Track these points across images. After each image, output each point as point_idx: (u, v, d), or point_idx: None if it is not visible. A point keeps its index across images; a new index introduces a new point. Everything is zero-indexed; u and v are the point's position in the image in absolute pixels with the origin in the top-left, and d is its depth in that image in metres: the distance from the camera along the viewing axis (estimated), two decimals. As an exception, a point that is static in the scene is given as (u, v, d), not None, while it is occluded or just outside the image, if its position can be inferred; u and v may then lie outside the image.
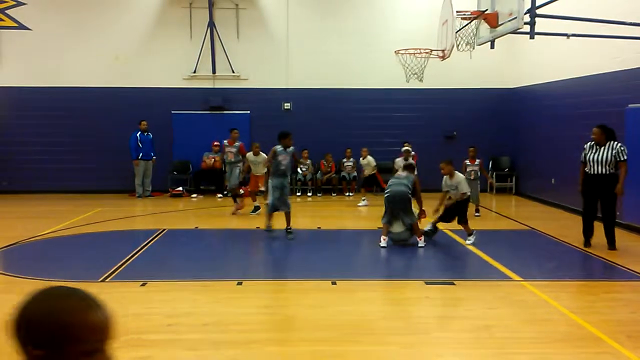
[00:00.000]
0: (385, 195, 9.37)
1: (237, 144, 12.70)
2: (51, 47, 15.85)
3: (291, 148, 9.97)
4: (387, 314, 6.28)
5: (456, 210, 9.38)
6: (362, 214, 13.02)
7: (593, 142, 8.86)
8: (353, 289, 7.12)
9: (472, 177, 11.92)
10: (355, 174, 15.67)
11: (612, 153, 8.62)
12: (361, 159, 14.63)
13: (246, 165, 12.36)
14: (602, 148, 8.72)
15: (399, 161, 12.60)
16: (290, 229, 10.01)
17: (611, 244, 8.91)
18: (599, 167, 8.71)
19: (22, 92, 15.86)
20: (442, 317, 6.28)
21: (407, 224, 9.22)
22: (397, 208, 9.20)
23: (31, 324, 1.46)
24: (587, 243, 9.04)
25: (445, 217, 9.51)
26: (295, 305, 6.40)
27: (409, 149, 12.87)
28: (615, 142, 8.70)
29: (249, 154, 12.39)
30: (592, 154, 8.80)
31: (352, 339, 5.37)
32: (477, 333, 5.53)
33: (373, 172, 14.42)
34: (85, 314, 1.50)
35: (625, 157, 8.62)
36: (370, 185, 14.62)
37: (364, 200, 13.89)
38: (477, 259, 8.61)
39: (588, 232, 9.06)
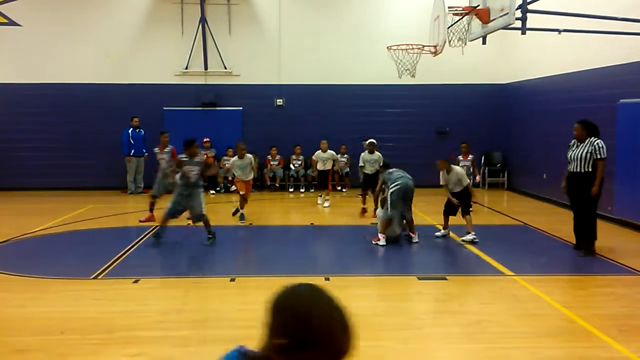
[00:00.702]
0: (396, 187, 9.10)
1: (168, 149, 11.60)
2: (42, 43, 15.74)
3: (199, 157, 9.23)
4: (381, 309, 6.29)
5: (460, 201, 9.38)
6: (356, 210, 12.99)
7: (575, 139, 8.45)
8: (346, 285, 7.11)
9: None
10: (348, 169, 15.66)
11: (589, 150, 8.11)
12: (320, 152, 13.25)
13: (225, 169, 11.48)
14: (582, 145, 8.23)
15: (365, 155, 11.85)
16: (210, 234, 9.16)
17: (587, 247, 8.39)
18: (576, 165, 8.24)
19: (13, 89, 15.74)
20: (435, 313, 6.29)
21: (407, 219, 9.25)
22: (408, 200, 9.22)
23: (292, 317, 1.49)
24: (578, 246, 8.59)
25: (451, 211, 9.53)
26: (288, 302, 6.38)
27: (374, 141, 12.04)
28: (595, 139, 8.14)
29: (234, 159, 11.27)
30: (572, 152, 8.35)
31: (346, 334, 5.37)
32: (470, 328, 5.55)
33: (327, 169, 13.19)
34: (338, 335, 1.51)
35: (603, 156, 8.05)
36: (320, 186, 13.40)
37: (327, 200, 13.26)
38: (470, 254, 8.63)
39: (578, 233, 8.58)
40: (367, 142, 12.07)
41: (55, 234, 10.15)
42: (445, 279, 7.29)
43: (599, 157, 8.07)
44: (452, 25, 9.61)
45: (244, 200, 11.20)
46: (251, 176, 11.23)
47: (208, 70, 16.21)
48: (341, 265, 8.33)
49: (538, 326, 5.62)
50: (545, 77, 13.74)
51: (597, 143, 8.10)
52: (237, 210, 11.38)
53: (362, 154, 12.00)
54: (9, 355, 4.91)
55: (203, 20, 15.91)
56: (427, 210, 11.97)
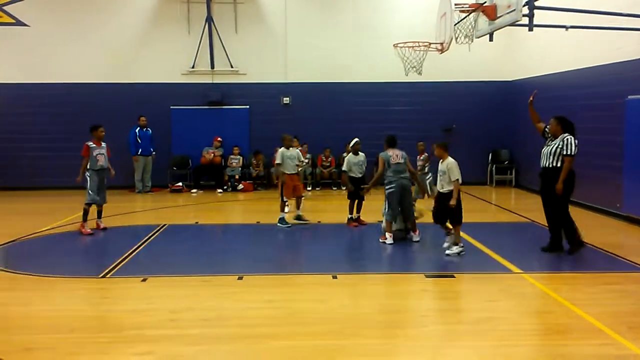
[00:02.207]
0: (391, 190, 9.06)
1: (104, 144, 10.54)
2: (49, 43, 15.84)
3: None
4: (388, 307, 6.28)
5: (447, 208, 8.24)
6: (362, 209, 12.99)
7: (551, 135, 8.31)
8: (353, 282, 7.13)
9: (419, 170, 11.85)
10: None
11: (559, 145, 8.02)
12: (290, 148, 11.33)
13: (281, 172, 10.70)
14: (555, 140, 8.16)
15: (350, 157, 10.71)
16: None
17: (570, 242, 8.21)
18: (545, 160, 8.21)
19: (19, 89, 15.84)
20: (443, 310, 6.28)
21: (410, 218, 9.22)
22: (406, 200, 9.15)
23: None
24: (548, 246, 8.37)
25: (439, 219, 8.49)
26: (295, 300, 6.40)
27: (358, 140, 10.79)
28: (567, 135, 8.01)
29: (282, 149, 10.59)
30: (545, 147, 8.32)
31: (353, 332, 5.38)
32: (478, 325, 5.54)
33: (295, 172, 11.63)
34: None
35: (570, 152, 7.90)
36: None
37: (287, 206, 11.26)
38: (477, 252, 8.61)
39: (551, 234, 8.40)
40: (353, 142, 10.82)
41: (63, 234, 10.20)
42: (453, 277, 7.28)
43: (565, 152, 7.96)
44: (458, 22, 9.59)
45: (299, 199, 10.94)
46: (296, 170, 10.89)
47: (215, 69, 16.25)
48: (348, 263, 8.34)
49: (546, 323, 5.61)
50: (552, 74, 13.67)
51: (568, 139, 8.00)
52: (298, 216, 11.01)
53: (347, 157, 10.90)
54: (17, 353, 4.94)
55: (209, 19, 15.95)
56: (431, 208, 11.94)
